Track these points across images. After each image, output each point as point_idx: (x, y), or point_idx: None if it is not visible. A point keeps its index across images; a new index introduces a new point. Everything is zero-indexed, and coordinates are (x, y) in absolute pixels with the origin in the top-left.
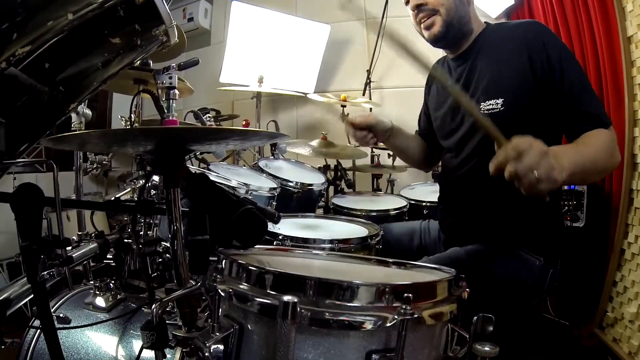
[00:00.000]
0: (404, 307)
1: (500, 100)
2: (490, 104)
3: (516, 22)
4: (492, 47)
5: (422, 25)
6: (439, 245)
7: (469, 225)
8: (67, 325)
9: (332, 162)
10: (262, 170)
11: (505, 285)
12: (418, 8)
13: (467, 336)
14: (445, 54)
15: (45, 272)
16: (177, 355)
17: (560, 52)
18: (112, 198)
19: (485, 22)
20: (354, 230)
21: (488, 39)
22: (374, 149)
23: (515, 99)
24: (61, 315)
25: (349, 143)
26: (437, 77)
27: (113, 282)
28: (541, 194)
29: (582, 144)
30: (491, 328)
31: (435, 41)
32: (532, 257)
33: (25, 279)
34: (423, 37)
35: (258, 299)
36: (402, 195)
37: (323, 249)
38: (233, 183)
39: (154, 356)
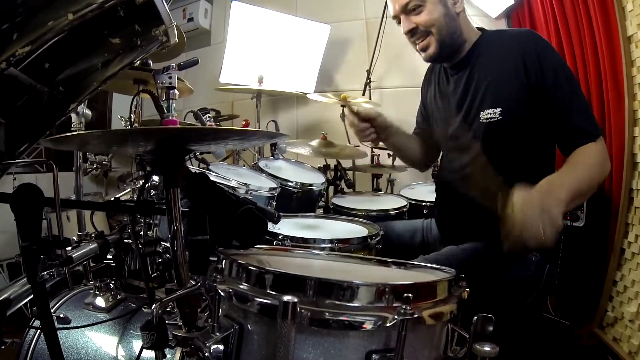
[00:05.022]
0: (404, 307)
1: (498, 110)
2: (488, 113)
3: (513, 31)
4: (489, 57)
5: (417, 46)
6: (440, 243)
7: (466, 223)
8: (67, 326)
9: (332, 162)
10: (262, 170)
11: (501, 281)
12: (411, 32)
13: (467, 336)
14: None
15: (45, 273)
16: (177, 355)
17: (553, 65)
18: (112, 198)
19: (480, 29)
20: (354, 230)
21: (485, 48)
22: (374, 149)
23: (513, 108)
24: (61, 315)
25: (349, 143)
26: None
27: (113, 282)
28: (545, 245)
29: (575, 166)
30: (491, 328)
31: (433, 61)
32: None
33: (25, 279)
34: (420, 55)
35: (258, 299)
36: (402, 195)
37: (323, 249)
38: (233, 183)
39: (154, 356)
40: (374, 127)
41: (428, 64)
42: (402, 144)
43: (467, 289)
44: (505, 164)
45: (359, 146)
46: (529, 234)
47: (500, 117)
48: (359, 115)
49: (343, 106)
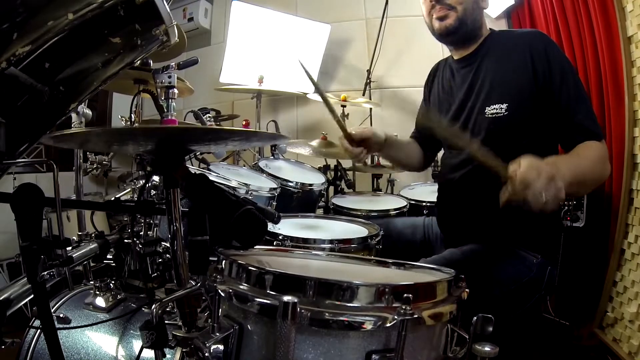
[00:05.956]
0: (403, 307)
1: (504, 105)
2: (494, 108)
3: (521, 30)
4: (497, 53)
5: (434, 16)
6: (442, 241)
7: (467, 225)
8: (67, 326)
9: (332, 162)
10: (262, 171)
11: (503, 283)
12: (437, 1)
13: (467, 336)
14: (446, 57)
15: (46, 273)
16: (177, 355)
17: (561, 64)
18: (112, 198)
19: (489, 29)
20: (354, 230)
21: (493, 45)
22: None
23: (519, 104)
24: (61, 315)
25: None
26: (429, 120)
27: (113, 282)
28: (546, 212)
29: (578, 155)
30: (491, 328)
31: (446, 34)
32: (529, 255)
33: (26, 279)
34: (432, 30)
35: (258, 299)
36: (402, 195)
37: (323, 249)
38: (233, 183)
39: (153, 356)
40: (367, 147)
41: (429, 64)
42: (397, 155)
43: (467, 290)
44: (508, 161)
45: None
46: (531, 196)
47: (506, 113)
48: (353, 141)
49: (343, 106)
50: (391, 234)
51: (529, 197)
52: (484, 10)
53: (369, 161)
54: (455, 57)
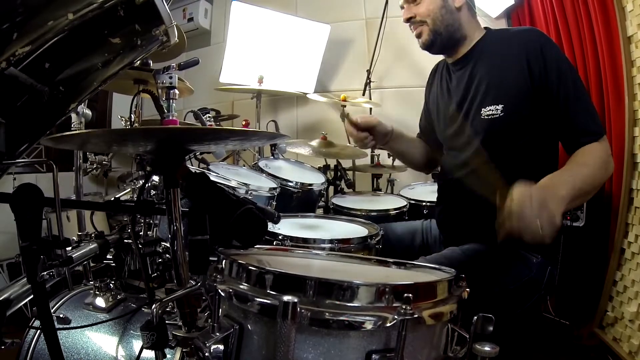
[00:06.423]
0: (404, 307)
1: (500, 107)
2: (490, 110)
3: (517, 29)
4: (492, 53)
5: (414, 34)
6: (440, 244)
7: (467, 225)
8: (67, 326)
9: (332, 162)
10: (262, 170)
11: (502, 282)
12: (409, 21)
13: (467, 336)
14: (444, 58)
15: (45, 273)
16: (177, 355)
17: (557, 63)
18: (112, 198)
19: (485, 28)
20: (354, 230)
21: (488, 45)
22: (373, 149)
23: (515, 105)
24: (61, 315)
25: (349, 143)
26: None
27: (113, 282)
28: (544, 238)
29: (577, 164)
30: (491, 328)
31: (427, 48)
32: (529, 255)
33: (25, 279)
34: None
35: (258, 299)
36: (402, 195)
37: (323, 249)
38: (233, 183)
39: (154, 356)
40: (373, 135)
41: (429, 64)
42: (403, 149)
43: (467, 289)
44: (506, 161)
45: (356, 146)
46: (525, 226)
47: (502, 114)
48: (358, 126)
49: (344, 106)
50: (390, 239)
51: (525, 229)
52: (483, 10)
53: (375, 151)
54: (449, 61)
